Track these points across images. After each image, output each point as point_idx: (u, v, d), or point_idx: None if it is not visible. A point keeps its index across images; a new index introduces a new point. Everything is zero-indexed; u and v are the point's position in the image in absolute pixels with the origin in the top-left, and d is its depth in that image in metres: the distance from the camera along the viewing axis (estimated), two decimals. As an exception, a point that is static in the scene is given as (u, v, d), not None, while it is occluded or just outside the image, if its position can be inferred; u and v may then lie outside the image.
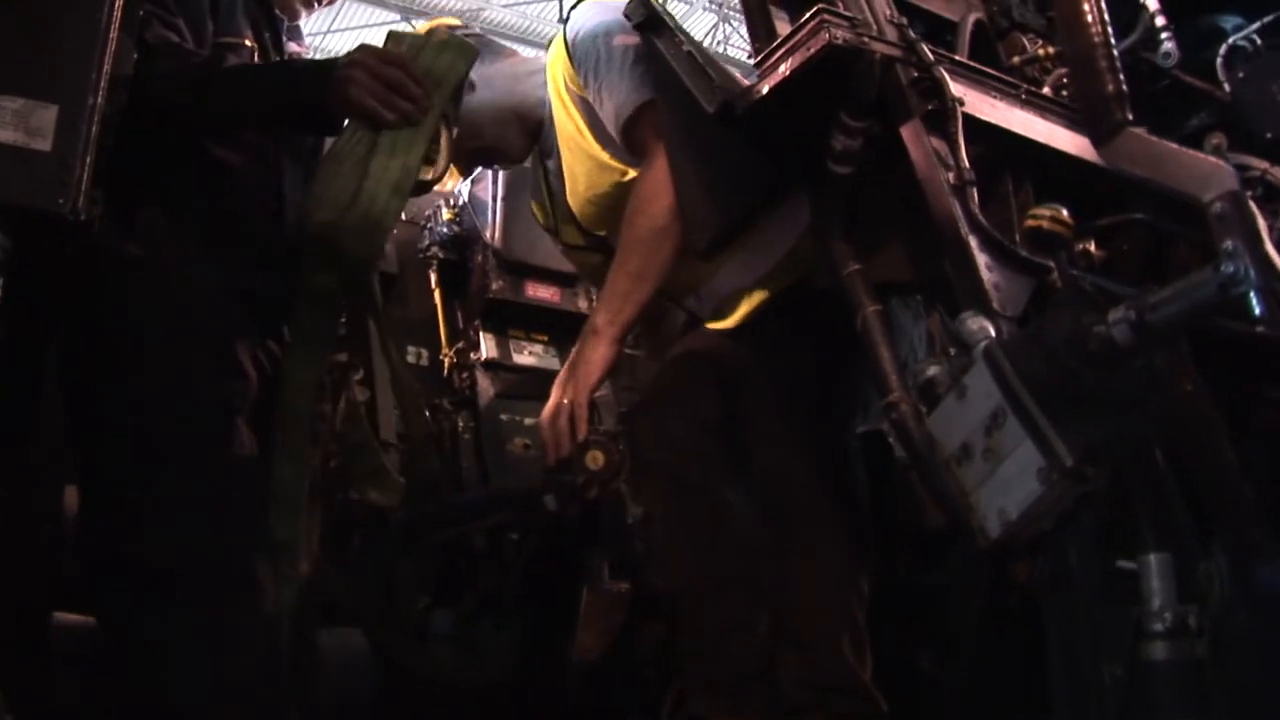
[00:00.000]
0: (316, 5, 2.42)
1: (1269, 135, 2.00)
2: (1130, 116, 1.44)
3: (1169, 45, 2.03)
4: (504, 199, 3.20)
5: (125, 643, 1.87)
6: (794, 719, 1.99)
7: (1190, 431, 1.53)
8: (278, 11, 2.32)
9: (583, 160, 2.34)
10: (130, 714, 1.87)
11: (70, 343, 1.93)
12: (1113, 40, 1.51)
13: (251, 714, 1.89)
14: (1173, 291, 1.18)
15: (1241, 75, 2.06)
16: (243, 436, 1.98)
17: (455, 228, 3.27)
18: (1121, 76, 1.49)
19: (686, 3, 13.22)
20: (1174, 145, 1.40)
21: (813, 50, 1.58)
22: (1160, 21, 2.04)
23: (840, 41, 1.56)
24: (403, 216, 3.39)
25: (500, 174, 3.20)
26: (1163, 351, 1.27)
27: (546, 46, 2.55)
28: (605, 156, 2.29)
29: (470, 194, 3.28)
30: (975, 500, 1.31)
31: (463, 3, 13.73)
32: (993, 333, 1.36)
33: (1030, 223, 1.42)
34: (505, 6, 14.12)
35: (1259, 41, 2.07)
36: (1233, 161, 1.95)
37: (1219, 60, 2.08)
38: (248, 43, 2.19)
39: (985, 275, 1.43)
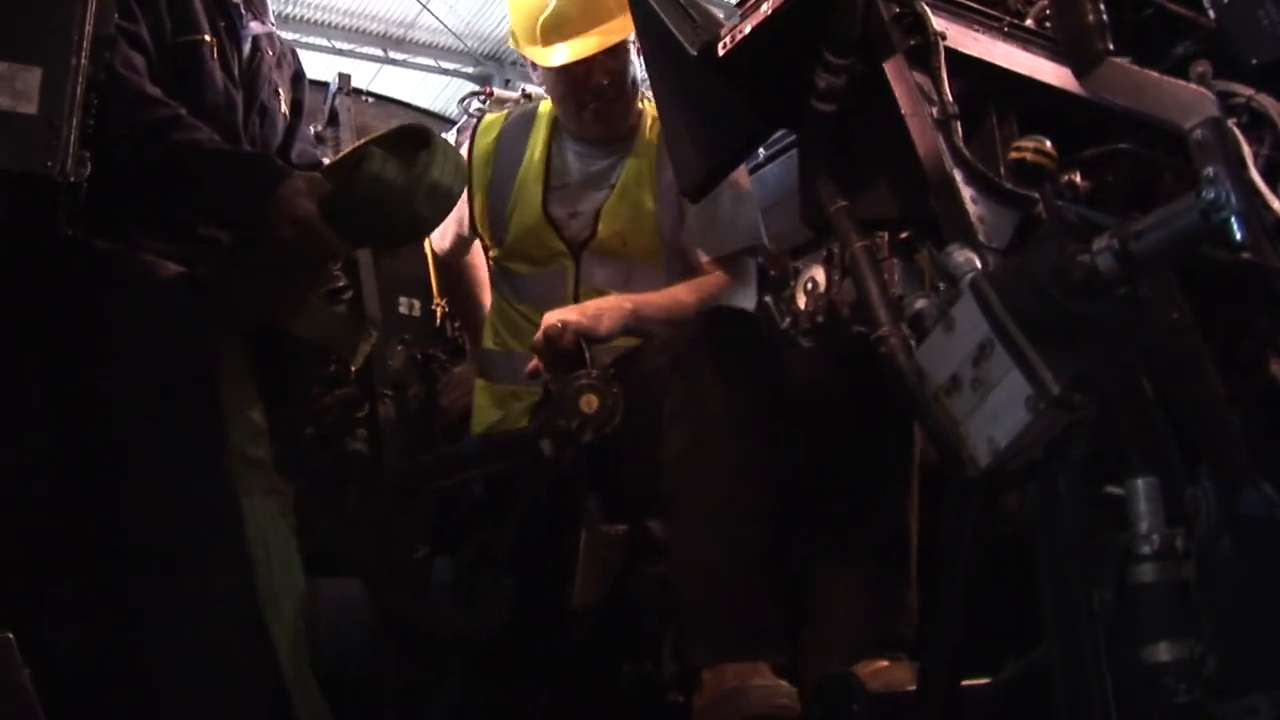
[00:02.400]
0: None
1: (1254, 61, 2.00)
2: (1111, 46, 1.44)
3: (1153, -27, 2.03)
4: (493, 146, 3.19)
5: (107, 613, 1.92)
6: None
7: (1176, 360, 1.55)
8: None
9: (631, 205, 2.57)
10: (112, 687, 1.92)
11: (47, 329, 1.96)
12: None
13: (228, 679, 1.93)
14: (1155, 219, 1.19)
15: (1226, 1, 2.05)
16: (211, 405, 2.04)
17: (442, 178, 3.26)
18: (1102, 6, 1.49)
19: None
20: (1155, 74, 1.40)
21: (794, -12, 1.58)
22: (1142, -53, 2.04)
23: (822, -22, 1.56)
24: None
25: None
26: (1148, 279, 1.27)
27: None
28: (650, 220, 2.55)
29: (458, 143, 3.27)
30: (965, 430, 1.33)
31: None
32: (979, 265, 1.37)
33: (1014, 155, 1.42)
34: None
35: (1244, -33, 2.06)
36: (1218, 89, 1.96)
37: (1204, -13, 2.07)
38: (206, 38, 2.20)
39: (971, 208, 1.44)
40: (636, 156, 2.66)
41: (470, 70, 14.12)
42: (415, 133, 2.18)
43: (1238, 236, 1.15)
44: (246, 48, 2.33)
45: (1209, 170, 1.14)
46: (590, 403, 2.04)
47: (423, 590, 2.37)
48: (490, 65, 14.05)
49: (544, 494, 2.23)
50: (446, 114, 15.00)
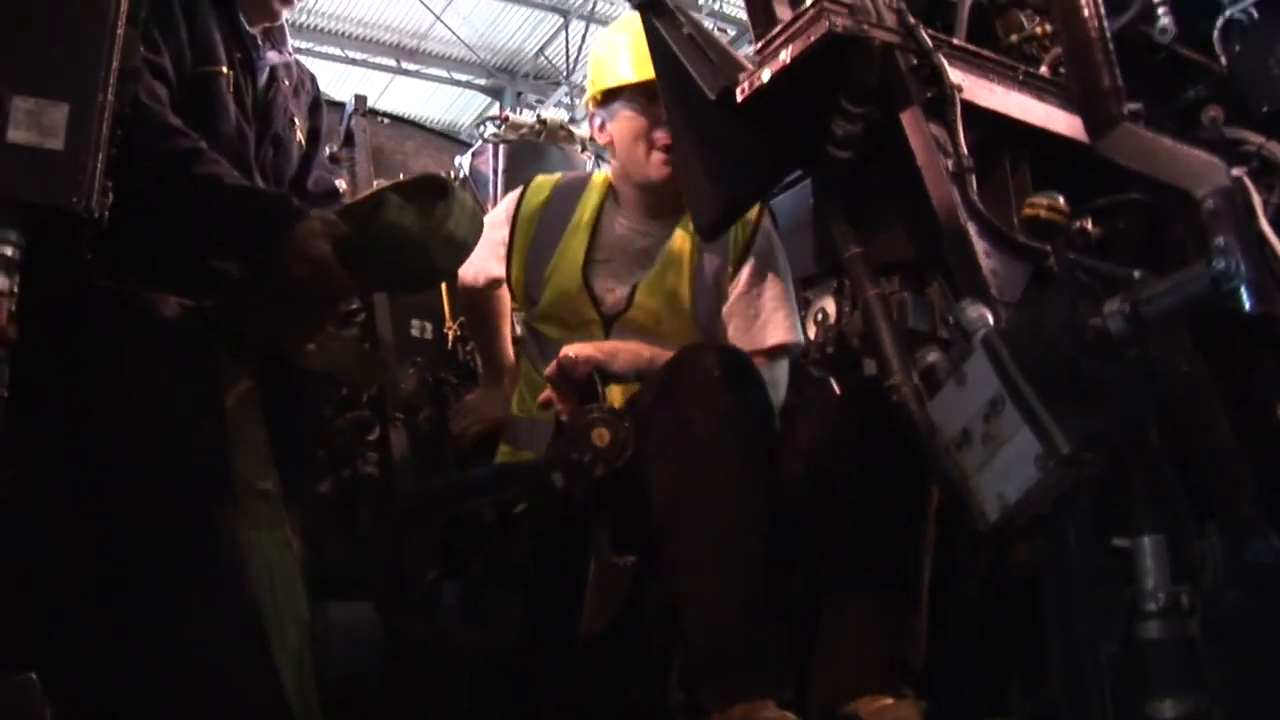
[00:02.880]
0: (293, 2, 2.43)
1: (1265, 108, 2.01)
2: (1125, 110, 1.46)
3: (1165, 21, 2.04)
4: (505, 172, 3.23)
5: (117, 638, 1.95)
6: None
7: (1186, 410, 1.57)
8: (247, 27, 2.34)
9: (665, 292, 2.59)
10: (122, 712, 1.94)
11: (59, 360, 1.98)
12: (1109, 33, 1.53)
13: (234, 704, 1.95)
14: (1167, 285, 1.21)
15: (1238, 48, 2.06)
16: (219, 437, 2.06)
17: (457, 200, 3.29)
18: (1117, 71, 1.51)
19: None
20: (1168, 140, 1.42)
21: (813, 38, 1.60)
22: (1156, -4, 2.06)
23: (840, 29, 1.58)
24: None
25: (501, 148, 3.22)
26: (1158, 342, 1.29)
27: None
28: (686, 305, 2.56)
29: (471, 167, 3.31)
30: (975, 484, 1.35)
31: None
32: (991, 320, 1.39)
33: (1029, 211, 1.44)
34: None
35: (1255, 15, 2.07)
36: (1229, 136, 1.99)
37: (1216, 33, 2.09)
38: (223, 70, 2.22)
39: (984, 262, 1.46)
40: (683, 233, 2.64)
41: (483, 82, 14.18)
42: (434, 183, 2.20)
43: (1247, 305, 1.17)
44: (263, 78, 2.36)
45: (1220, 240, 1.17)
46: (602, 436, 2.06)
47: (432, 613, 2.38)
48: (503, 77, 14.11)
49: (554, 522, 2.24)
50: (458, 125, 15.09)
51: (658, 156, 2.57)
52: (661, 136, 2.55)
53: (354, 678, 2.36)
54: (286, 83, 2.44)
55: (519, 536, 2.31)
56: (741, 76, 1.73)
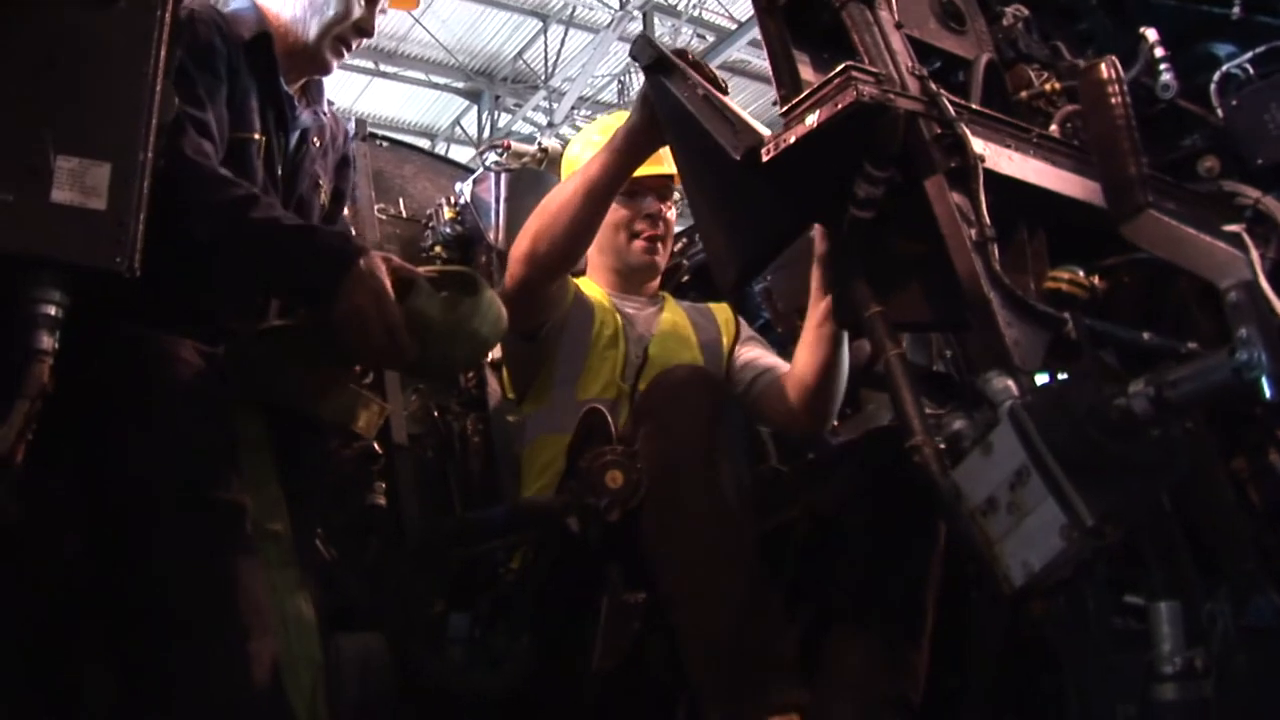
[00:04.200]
0: (346, 52, 2.45)
1: (1260, 161, 2.08)
2: (1151, 199, 1.52)
3: (1167, 78, 2.11)
4: (507, 199, 3.24)
5: (136, 677, 1.97)
6: None
7: (1190, 470, 1.63)
8: (286, 87, 2.37)
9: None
10: None
11: (76, 404, 2.01)
12: (1135, 124, 1.58)
13: None
14: (1190, 370, 1.27)
15: (1234, 102, 2.13)
16: (233, 478, 2.08)
17: (458, 227, 3.32)
18: (1143, 159, 1.56)
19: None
20: (1191, 230, 1.47)
21: (840, 105, 1.64)
22: (1159, 53, 2.12)
23: (867, 98, 1.62)
24: (403, 214, 3.47)
25: (503, 175, 3.25)
26: (1180, 421, 1.35)
27: None
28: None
29: (473, 194, 3.32)
30: (1000, 550, 1.40)
31: None
32: (1016, 391, 1.44)
33: (1050, 285, 1.50)
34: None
35: (1251, 70, 2.13)
36: (1226, 189, 2.05)
37: (1213, 86, 2.15)
38: (256, 136, 2.25)
39: (1006, 332, 1.51)
40: (670, 313, 2.89)
41: (461, 85, 14.17)
42: (467, 279, 2.24)
43: (1268, 395, 1.22)
44: (294, 139, 2.38)
45: (1243, 332, 1.22)
46: (615, 478, 2.09)
47: (440, 645, 2.41)
48: (481, 81, 14.11)
49: (564, 559, 2.28)
50: (435, 128, 15.03)
51: (640, 244, 2.84)
52: (644, 227, 2.82)
53: (364, 710, 2.39)
54: (317, 143, 2.46)
55: (530, 574, 2.34)
56: (768, 138, 1.77)
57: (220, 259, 2.09)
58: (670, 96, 2.02)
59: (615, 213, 2.77)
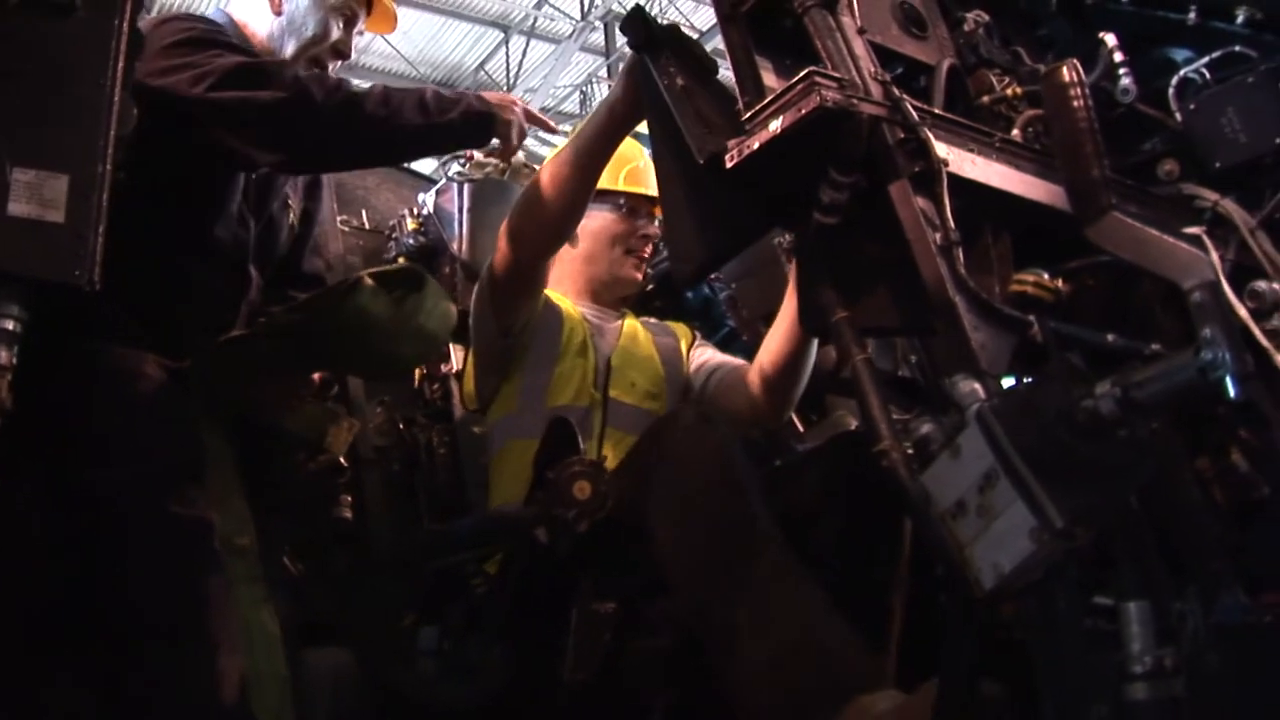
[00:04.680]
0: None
1: (1218, 164, 2.09)
2: (1114, 201, 1.53)
3: (1126, 82, 2.12)
4: (470, 210, 3.23)
5: (104, 701, 1.95)
6: None
7: (1157, 470, 1.63)
8: None
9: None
10: None
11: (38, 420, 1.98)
12: (1097, 126, 1.59)
13: None
14: (1156, 371, 1.27)
15: (1192, 106, 2.14)
16: (200, 494, 2.07)
17: (421, 238, 3.31)
18: (1106, 162, 1.57)
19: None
20: (1155, 231, 1.48)
21: (803, 111, 1.64)
22: (1119, 58, 2.13)
23: (830, 104, 1.63)
24: (366, 225, 3.46)
25: (466, 186, 3.24)
26: (1147, 424, 1.35)
27: None
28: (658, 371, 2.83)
29: (436, 204, 3.31)
30: (970, 554, 1.40)
31: None
32: (983, 394, 1.44)
33: (1015, 288, 1.50)
34: None
35: (1208, 75, 2.15)
36: (1185, 192, 2.06)
37: (1171, 91, 2.16)
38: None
39: (973, 335, 1.51)
40: (630, 324, 2.94)
41: (423, 96, 14.10)
42: (411, 275, 2.25)
43: (1231, 394, 1.23)
44: None
45: (1206, 332, 1.23)
46: (583, 489, 2.08)
47: (410, 659, 2.40)
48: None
49: (535, 570, 2.26)
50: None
51: (633, 260, 2.91)
52: (638, 244, 2.89)
53: (336, 727, 2.37)
54: None
55: (500, 586, 2.33)
56: (731, 144, 1.77)
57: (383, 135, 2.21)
58: (652, 81, 2.01)
59: (615, 226, 2.87)
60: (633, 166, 2.86)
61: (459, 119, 2.23)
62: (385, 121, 2.15)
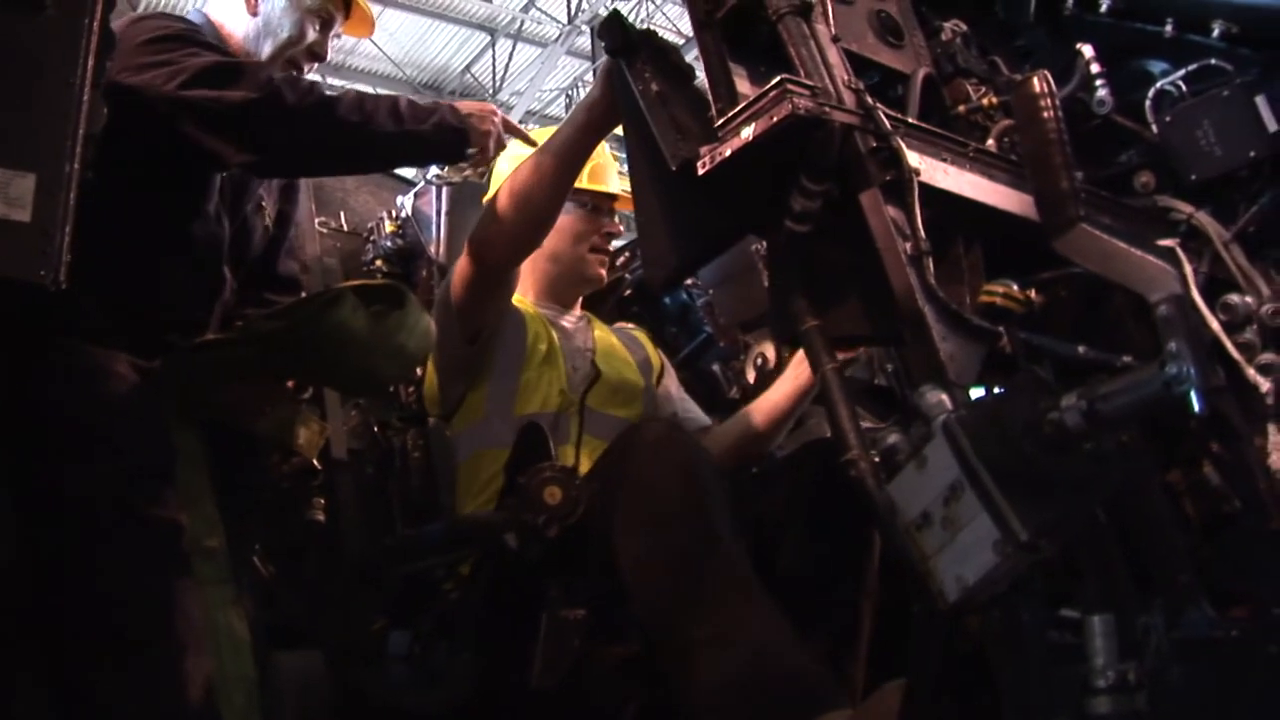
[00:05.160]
0: (297, 75, 2.44)
1: (1193, 177, 2.10)
2: (1083, 213, 1.53)
3: (1103, 93, 2.12)
4: (448, 213, 3.22)
5: (72, 700, 1.93)
6: None
7: (1125, 483, 1.63)
8: None
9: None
10: None
11: (7, 418, 1.97)
12: (1067, 138, 1.59)
13: None
14: (1121, 385, 1.27)
15: (1168, 119, 2.15)
16: (170, 495, 2.06)
17: (399, 241, 3.30)
18: (1075, 174, 1.57)
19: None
20: (1123, 244, 1.48)
21: (775, 118, 1.63)
22: (1095, 69, 2.14)
23: (803, 111, 1.62)
24: (344, 227, 3.44)
25: (444, 189, 3.22)
26: (1112, 435, 1.35)
27: None
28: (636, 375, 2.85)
29: (414, 207, 3.30)
30: (934, 565, 1.40)
31: None
32: (950, 406, 1.44)
33: (985, 299, 1.50)
34: None
35: (1184, 87, 2.16)
36: (1160, 204, 2.07)
37: (1147, 103, 2.17)
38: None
39: (941, 346, 1.51)
40: (601, 331, 2.95)
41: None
42: (394, 292, 2.23)
43: (1196, 408, 1.23)
44: None
45: (1172, 345, 1.23)
46: (554, 494, 2.08)
47: (380, 663, 2.38)
48: (429, 94, 14.04)
49: (504, 575, 2.26)
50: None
51: (596, 258, 2.88)
52: (601, 243, 2.87)
53: (304, 729, 2.36)
54: None
55: (470, 591, 2.32)
56: (703, 150, 1.76)
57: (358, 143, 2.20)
58: (627, 86, 2.00)
59: (580, 223, 2.84)
60: (596, 164, 2.82)
61: (432, 130, 2.22)
62: (358, 126, 2.14)
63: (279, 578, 2.55)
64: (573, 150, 2.38)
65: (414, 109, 2.22)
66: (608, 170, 2.88)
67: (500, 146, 2.39)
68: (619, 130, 2.21)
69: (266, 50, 2.36)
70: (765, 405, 2.76)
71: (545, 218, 2.50)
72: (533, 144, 2.54)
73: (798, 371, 2.70)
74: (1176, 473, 1.90)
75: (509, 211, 2.46)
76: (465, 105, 2.33)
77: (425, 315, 2.23)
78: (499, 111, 2.37)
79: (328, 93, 2.21)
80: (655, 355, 3.02)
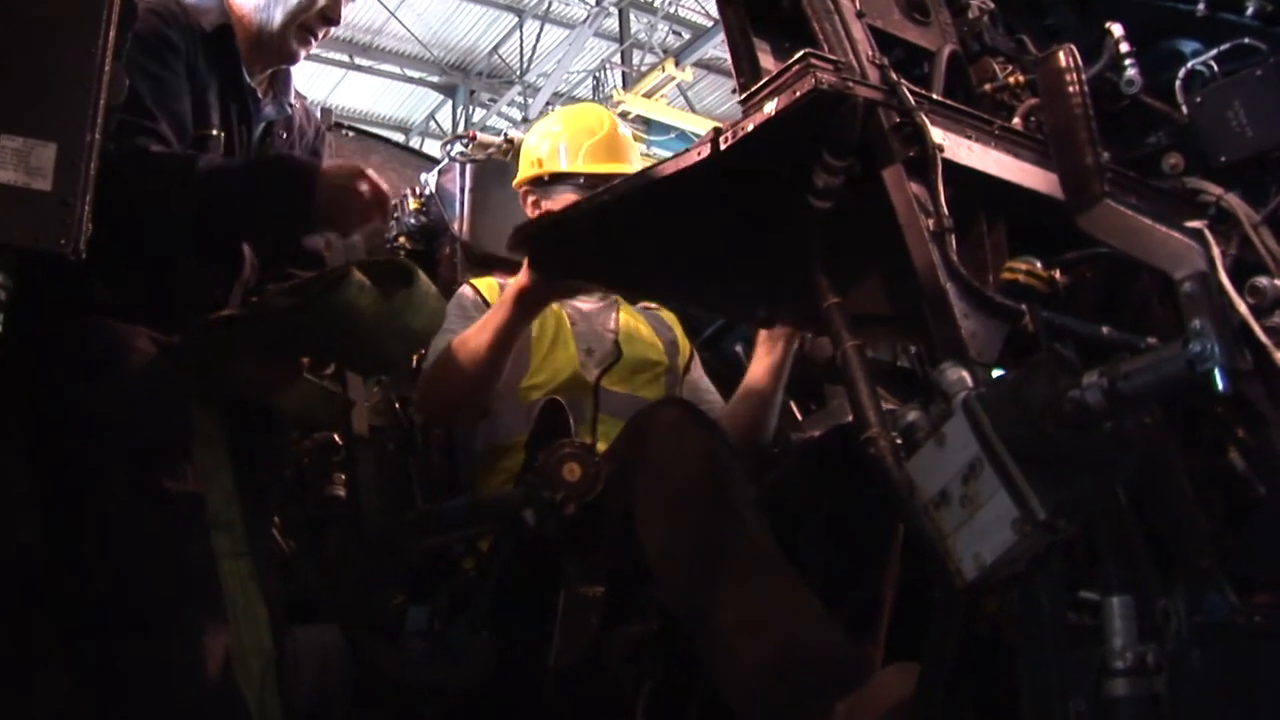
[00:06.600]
0: (314, 40, 2.41)
1: (1223, 159, 2.07)
2: (1107, 189, 1.50)
3: (1132, 73, 2.10)
4: (472, 190, 3.23)
5: (90, 674, 1.94)
6: None
7: (1147, 464, 1.61)
8: (249, 79, 2.34)
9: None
10: None
11: (28, 393, 1.97)
12: (1092, 113, 1.57)
13: None
14: (1144, 362, 1.25)
15: (1199, 99, 2.12)
16: (189, 470, 2.06)
17: (423, 218, 3.30)
18: (1101, 150, 1.55)
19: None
20: (1148, 220, 1.46)
21: (798, 93, 1.62)
22: (1124, 48, 2.11)
23: (826, 86, 1.61)
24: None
25: (468, 166, 3.23)
26: (1134, 414, 1.34)
27: None
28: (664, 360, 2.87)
29: (437, 184, 3.30)
30: (952, 544, 1.38)
31: None
32: (970, 383, 1.42)
33: (1007, 276, 1.48)
34: None
35: (1216, 68, 2.13)
36: (1189, 186, 2.04)
37: (1178, 83, 2.14)
38: (214, 132, 2.24)
39: (963, 323, 1.49)
40: (627, 314, 2.95)
41: (436, 80, 14.11)
42: (401, 269, 2.22)
43: (1220, 387, 1.21)
44: (258, 132, 2.35)
45: (1196, 323, 1.21)
46: (573, 471, 2.08)
47: (398, 638, 2.39)
48: (456, 75, 14.06)
49: (523, 552, 2.26)
50: (410, 122, 15.03)
51: None
52: None
53: (321, 704, 2.37)
54: (284, 135, 2.43)
55: (488, 568, 2.32)
56: (726, 126, 1.75)
57: (195, 224, 2.12)
58: None
59: None
60: (592, 142, 2.82)
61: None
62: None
63: (298, 552, 2.56)
64: (509, 328, 2.48)
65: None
66: (605, 147, 2.88)
67: (364, 222, 2.28)
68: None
69: (278, 18, 2.34)
70: (745, 390, 2.78)
71: (484, 390, 2.57)
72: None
73: (769, 348, 2.71)
74: (1201, 458, 1.88)
75: (447, 385, 2.57)
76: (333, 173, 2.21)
77: (434, 292, 2.21)
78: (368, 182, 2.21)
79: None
80: (684, 340, 3.01)
